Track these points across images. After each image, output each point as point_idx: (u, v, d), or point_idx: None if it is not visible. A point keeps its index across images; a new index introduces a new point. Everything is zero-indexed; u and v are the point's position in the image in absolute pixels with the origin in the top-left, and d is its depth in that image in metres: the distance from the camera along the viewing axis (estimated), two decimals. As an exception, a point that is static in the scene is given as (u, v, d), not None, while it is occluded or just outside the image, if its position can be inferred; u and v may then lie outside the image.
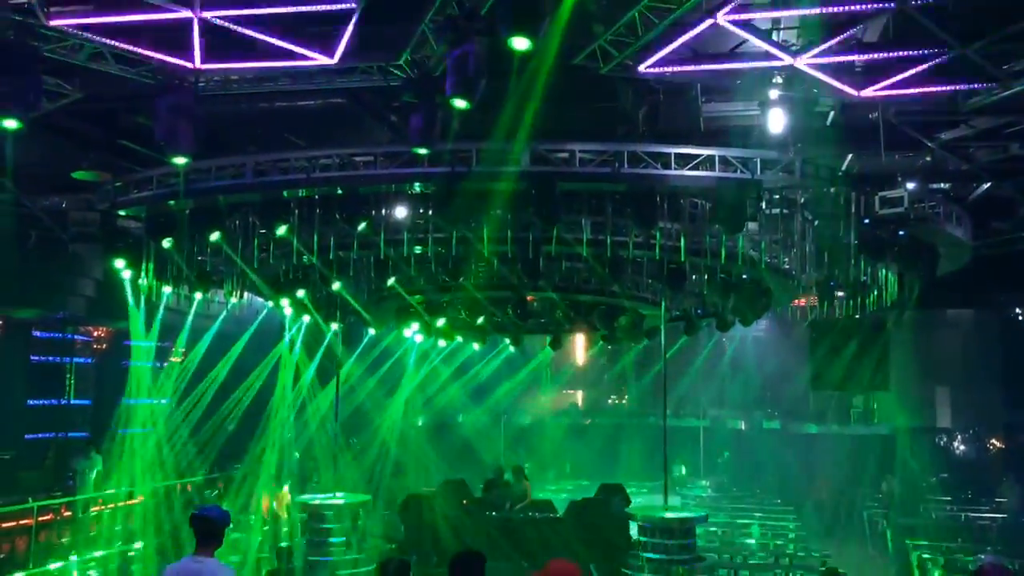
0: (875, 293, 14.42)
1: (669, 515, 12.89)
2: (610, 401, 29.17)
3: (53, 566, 13.24)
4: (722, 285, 13.60)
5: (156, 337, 17.56)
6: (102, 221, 12.64)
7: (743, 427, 25.38)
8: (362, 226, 11.64)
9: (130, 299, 15.42)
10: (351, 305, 16.31)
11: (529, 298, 16.11)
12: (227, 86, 9.64)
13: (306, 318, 17.34)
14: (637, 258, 13.27)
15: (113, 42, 8.53)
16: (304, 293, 14.48)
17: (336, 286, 14.25)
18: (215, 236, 12.21)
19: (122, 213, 12.45)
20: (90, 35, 8.41)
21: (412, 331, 19.61)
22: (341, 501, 13.89)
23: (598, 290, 14.55)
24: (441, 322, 17.44)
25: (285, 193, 11.41)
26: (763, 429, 24.93)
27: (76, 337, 20.35)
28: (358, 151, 10.86)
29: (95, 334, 20.65)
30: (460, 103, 7.76)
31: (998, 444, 22.71)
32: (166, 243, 12.48)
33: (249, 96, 10.63)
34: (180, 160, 9.57)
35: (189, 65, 8.69)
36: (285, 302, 15.22)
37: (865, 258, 12.25)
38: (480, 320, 16.88)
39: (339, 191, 11.34)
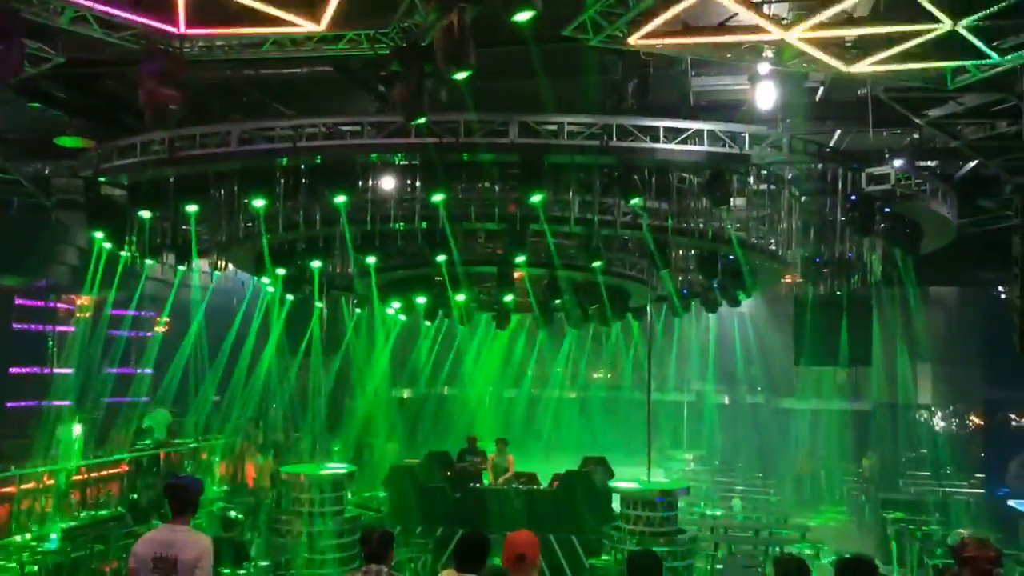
0: (860, 270, 14.50)
1: (651, 487, 13.00)
2: (595, 376, 29.28)
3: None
4: (709, 265, 13.63)
5: (135, 305, 17.55)
6: (85, 189, 12.53)
7: (727, 401, 25.57)
8: (342, 199, 11.56)
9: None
10: (334, 282, 16.28)
11: (517, 274, 16.11)
12: (212, 52, 9.49)
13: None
14: (624, 236, 13.32)
15: (95, 5, 8.37)
16: (285, 271, 14.46)
17: (317, 264, 14.22)
18: (193, 208, 12.16)
19: (103, 180, 12.32)
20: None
21: (393, 310, 19.61)
22: (325, 472, 13.91)
23: (584, 267, 14.57)
24: (422, 300, 17.44)
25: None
26: (747, 404, 25.13)
27: (59, 305, 20.23)
28: (345, 120, 10.77)
29: (78, 302, 20.53)
30: (455, 74, 7.68)
31: (977, 421, 22.98)
32: (146, 213, 12.40)
33: (234, 63, 10.49)
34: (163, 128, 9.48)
35: (173, 30, 8.56)
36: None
37: (851, 234, 12.29)
38: (462, 298, 16.86)
39: (319, 159, 11.26)
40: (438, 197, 11.19)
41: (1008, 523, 15.31)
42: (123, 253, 13.95)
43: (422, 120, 9.45)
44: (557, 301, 16.27)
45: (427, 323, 21.77)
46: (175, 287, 17.95)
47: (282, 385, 21.07)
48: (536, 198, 10.97)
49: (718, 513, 17.12)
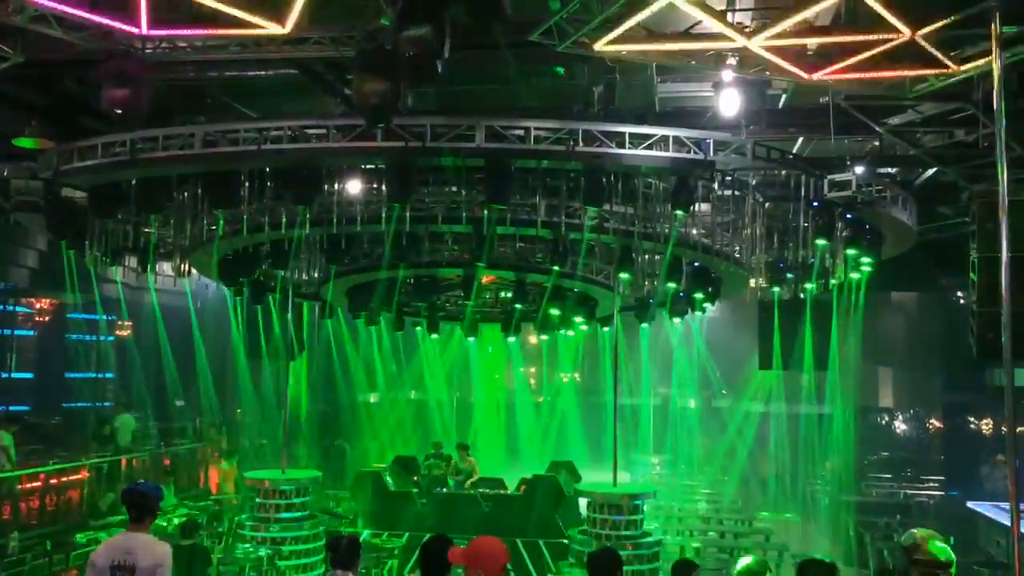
0: (822, 275, 14.67)
1: (617, 491, 13.04)
2: (563, 379, 29.32)
3: None
4: (674, 270, 13.73)
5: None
6: (45, 191, 12.33)
7: (692, 405, 25.72)
8: (300, 208, 11.54)
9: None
10: (300, 290, 16.21)
11: (485, 279, 16.11)
12: (175, 53, 9.40)
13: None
14: (590, 240, 13.39)
15: (56, 4, 8.25)
16: (249, 277, 14.37)
17: (281, 271, 14.18)
18: (155, 212, 12.07)
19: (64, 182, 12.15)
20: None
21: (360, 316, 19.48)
22: (290, 477, 13.80)
23: (550, 271, 14.59)
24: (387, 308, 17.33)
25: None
26: (712, 407, 25.31)
27: (18, 309, 19.87)
28: (310, 123, 10.71)
29: (37, 306, 20.19)
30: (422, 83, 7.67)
31: (937, 424, 23.34)
32: (107, 216, 12.26)
33: (198, 64, 10.40)
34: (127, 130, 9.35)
35: (135, 31, 8.45)
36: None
37: (816, 239, 12.41)
38: (425, 305, 16.84)
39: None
40: (397, 205, 11.19)
41: (968, 524, 15.58)
42: (86, 258, 13.76)
43: (384, 124, 9.42)
44: (518, 306, 16.24)
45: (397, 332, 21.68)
46: (152, 291, 17.73)
47: (246, 390, 20.89)
48: (497, 207, 11.00)
49: (684, 516, 17.22)
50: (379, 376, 24.22)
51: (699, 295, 15.07)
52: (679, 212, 11.31)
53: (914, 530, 4.77)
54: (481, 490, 15.51)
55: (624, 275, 13.69)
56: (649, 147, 10.54)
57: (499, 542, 4.65)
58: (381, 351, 23.67)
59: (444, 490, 15.93)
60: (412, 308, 18.39)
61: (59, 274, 14.98)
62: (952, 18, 7.86)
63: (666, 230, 12.65)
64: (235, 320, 18.25)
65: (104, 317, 19.31)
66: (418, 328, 21.17)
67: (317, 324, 20.84)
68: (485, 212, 11.82)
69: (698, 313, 17.54)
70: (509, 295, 16.46)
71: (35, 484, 14.67)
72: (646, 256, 14.63)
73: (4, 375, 19.30)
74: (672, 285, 14.27)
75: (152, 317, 19.04)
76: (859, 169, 11.92)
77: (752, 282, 16.14)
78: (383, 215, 12.06)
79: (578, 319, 17.69)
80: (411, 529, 14.24)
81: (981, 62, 8.48)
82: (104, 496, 14.99)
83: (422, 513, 15.10)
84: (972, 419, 21.81)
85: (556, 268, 13.48)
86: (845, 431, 20.34)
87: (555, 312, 16.54)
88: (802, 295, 15.32)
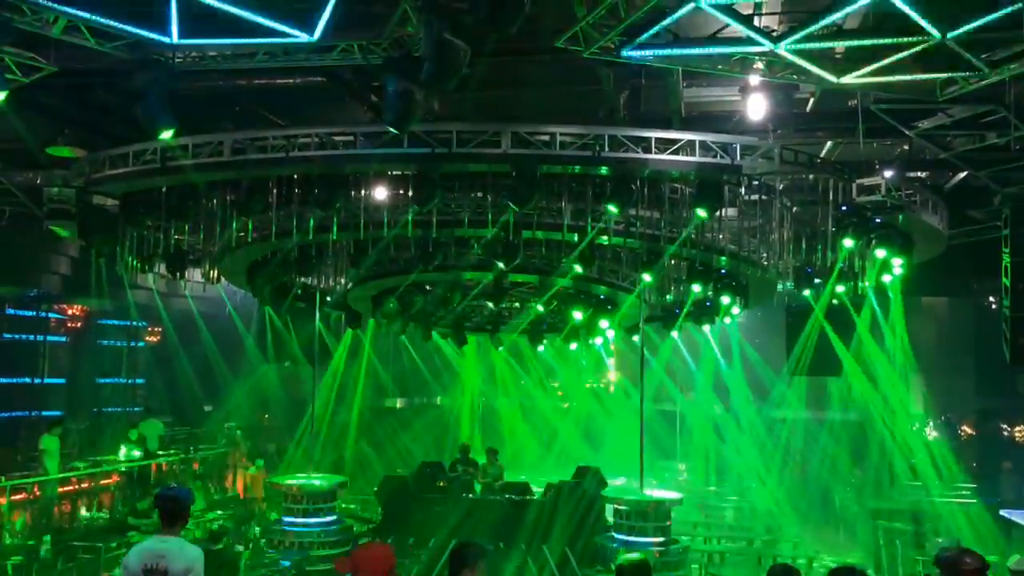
0: (852, 280, 14.52)
1: (644, 498, 12.97)
2: (588, 385, 29.21)
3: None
4: (701, 276, 13.66)
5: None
6: (77, 198, 12.50)
7: (719, 411, 25.52)
8: (318, 216, 11.63)
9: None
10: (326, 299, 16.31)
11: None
12: (204, 62, 9.50)
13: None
14: (615, 245, 13.36)
15: (88, 15, 8.37)
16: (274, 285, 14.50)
17: (307, 279, 14.31)
18: (184, 222, 12.23)
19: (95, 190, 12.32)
20: (65, 7, 8.26)
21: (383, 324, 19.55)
22: (316, 482, 13.86)
23: (575, 275, 14.55)
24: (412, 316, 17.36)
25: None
26: (739, 413, 25.08)
27: (50, 315, 20.14)
28: (337, 130, 10.78)
29: (69, 312, 20.44)
30: (444, 87, 7.70)
31: (970, 431, 23.00)
32: (138, 224, 12.42)
33: (227, 73, 10.50)
34: (167, 135, 9.43)
35: (166, 40, 8.55)
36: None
37: (841, 239, 12.27)
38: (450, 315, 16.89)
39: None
40: (422, 209, 11.27)
41: (1001, 532, 15.34)
42: (117, 265, 13.94)
43: (403, 130, 9.44)
44: (540, 308, 16.23)
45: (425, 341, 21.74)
46: (189, 297, 17.93)
47: (273, 395, 21.03)
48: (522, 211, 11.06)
49: (711, 523, 17.10)
50: (406, 382, 24.32)
51: (726, 301, 14.97)
52: (700, 212, 11.21)
53: (948, 543, 4.75)
54: (508, 496, 15.47)
55: (647, 276, 13.62)
56: (675, 152, 10.50)
57: (387, 547, 4.62)
58: (407, 357, 23.77)
59: (471, 495, 15.92)
60: (438, 318, 18.42)
61: (91, 281, 15.18)
62: (982, 20, 7.76)
63: (692, 235, 12.60)
64: (263, 326, 18.42)
65: (136, 323, 19.56)
66: (447, 338, 21.26)
67: (343, 331, 20.95)
68: (511, 216, 11.85)
69: (727, 320, 17.41)
70: (534, 303, 16.45)
71: (67, 488, 14.86)
72: (672, 261, 14.57)
73: (37, 381, 19.57)
74: (697, 289, 14.19)
75: (181, 323, 19.24)
76: (888, 173, 11.80)
77: (780, 287, 16.03)
78: (409, 220, 12.11)
79: (604, 325, 17.61)
80: (437, 535, 14.23)
81: (1013, 64, 8.37)
82: (140, 499, 15.17)
83: (449, 518, 15.08)
84: (1005, 425, 21.48)
85: (580, 269, 13.46)
86: (875, 437, 20.12)
87: (579, 317, 16.51)
88: (835, 301, 15.17)
